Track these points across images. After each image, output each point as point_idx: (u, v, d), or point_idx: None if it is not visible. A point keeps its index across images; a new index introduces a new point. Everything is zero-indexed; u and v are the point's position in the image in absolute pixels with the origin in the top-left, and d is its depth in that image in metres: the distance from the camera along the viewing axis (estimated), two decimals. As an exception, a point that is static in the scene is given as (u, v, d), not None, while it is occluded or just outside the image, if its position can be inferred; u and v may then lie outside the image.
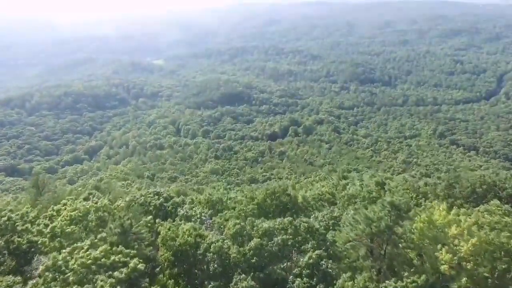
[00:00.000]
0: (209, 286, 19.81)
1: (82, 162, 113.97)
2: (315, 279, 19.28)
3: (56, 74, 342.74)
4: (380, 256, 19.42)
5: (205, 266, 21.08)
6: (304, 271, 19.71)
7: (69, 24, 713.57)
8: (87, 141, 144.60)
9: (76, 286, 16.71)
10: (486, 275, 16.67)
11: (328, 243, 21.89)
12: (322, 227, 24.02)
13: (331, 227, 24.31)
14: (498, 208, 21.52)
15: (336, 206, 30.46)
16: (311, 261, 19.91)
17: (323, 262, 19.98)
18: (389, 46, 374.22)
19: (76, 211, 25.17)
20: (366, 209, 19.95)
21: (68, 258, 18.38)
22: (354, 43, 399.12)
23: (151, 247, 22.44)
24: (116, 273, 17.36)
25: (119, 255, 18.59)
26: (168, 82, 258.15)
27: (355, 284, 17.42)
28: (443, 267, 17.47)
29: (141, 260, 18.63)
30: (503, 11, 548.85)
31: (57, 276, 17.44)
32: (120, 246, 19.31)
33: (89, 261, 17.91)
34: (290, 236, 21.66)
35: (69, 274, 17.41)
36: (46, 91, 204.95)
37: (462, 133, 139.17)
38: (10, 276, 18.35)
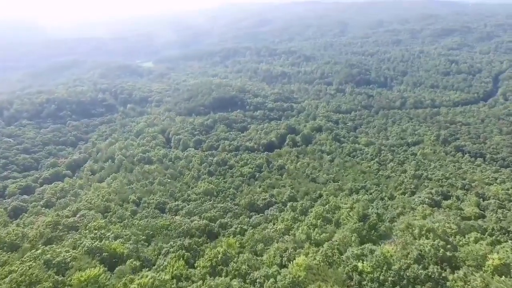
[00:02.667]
0: None
1: (64, 178, 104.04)
2: None
3: (41, 78, 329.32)
4: None
5: None
6: None
7: (58, 25, 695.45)
8: (71, 153, 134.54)
9: None
10: None
11: None
12: None
13: None
14: None
15: None
16: None
17: None
18: (382, 46, 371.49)
19: None
20: None
21: None
22: (348, 43, 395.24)
23: None
24: None
25: None
26: (157, 86, 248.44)
27: None
28: None
29: None
30: (492, 10, 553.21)
31: None
32: None
33: None
34: None
35: None
36: (27, 98, 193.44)
37: (465, 138, 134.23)
38: None
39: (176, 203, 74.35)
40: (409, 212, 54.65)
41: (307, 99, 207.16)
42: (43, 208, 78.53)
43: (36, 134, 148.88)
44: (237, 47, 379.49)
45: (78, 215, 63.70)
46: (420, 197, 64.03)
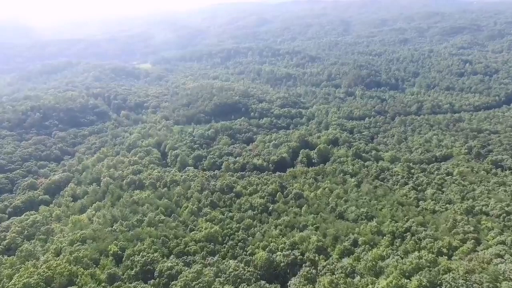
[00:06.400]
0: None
1: (39, 207, 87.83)
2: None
3: (32, 81, 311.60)
4: None
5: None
6: None
7: (49, 25, 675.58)
8: (53, 170, 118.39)
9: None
10: None
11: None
12: None
13: None
14: None
15: None
16: None
17: None
18: (389, 46, 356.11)
19: None
20: None
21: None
22: (353, 42, 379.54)
23: None
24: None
25: None
26: (155, 90, 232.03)
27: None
28: None
29: None
30: (499, 8, 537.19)
31: None
32: None
33: None
34: None
35: None
36: (9, 105, 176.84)
37: (500, 150, 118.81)
38: None
39: (169, 263, 57.10)
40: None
41: (316, 104, 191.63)
42: (1, 255, 62.23)
43: (15, 148, 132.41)
44: (238, 47, 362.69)
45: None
46: (503, 260, 47.48)
